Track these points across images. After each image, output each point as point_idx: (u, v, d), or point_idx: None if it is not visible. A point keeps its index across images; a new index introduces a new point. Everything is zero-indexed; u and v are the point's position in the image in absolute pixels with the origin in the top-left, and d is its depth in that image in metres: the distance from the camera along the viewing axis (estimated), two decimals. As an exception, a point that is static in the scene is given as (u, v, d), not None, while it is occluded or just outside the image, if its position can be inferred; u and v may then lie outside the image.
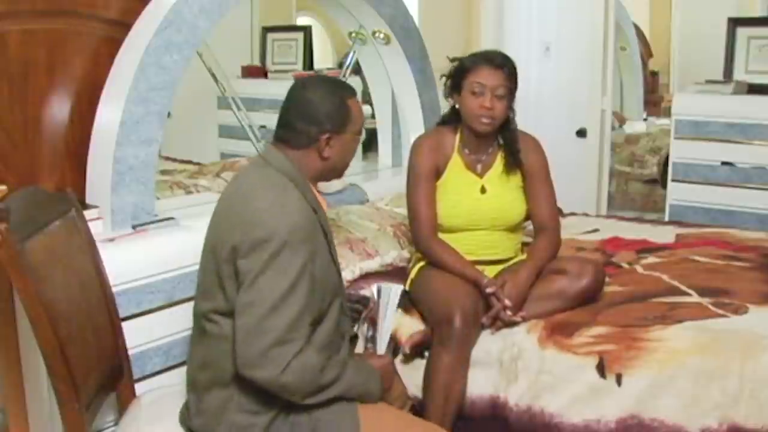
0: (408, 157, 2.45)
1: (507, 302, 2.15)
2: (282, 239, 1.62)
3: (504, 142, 2.37)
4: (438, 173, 2.37)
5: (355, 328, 2.31)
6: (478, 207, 2.33)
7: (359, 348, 2.02)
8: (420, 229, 2.34)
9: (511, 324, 2.17)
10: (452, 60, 2.39)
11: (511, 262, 2.39)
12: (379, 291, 1.91)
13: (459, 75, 2.32)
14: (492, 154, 2.38)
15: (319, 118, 1.76)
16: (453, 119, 2.41)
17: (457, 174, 2.36)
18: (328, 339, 1.77)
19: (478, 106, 2.26)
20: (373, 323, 1.92)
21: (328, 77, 1.88)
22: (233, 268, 1.66)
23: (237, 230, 1.66)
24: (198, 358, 1.81)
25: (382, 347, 1.86)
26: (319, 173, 1.82)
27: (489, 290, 2.17)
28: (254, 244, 1.62)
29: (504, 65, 2.27)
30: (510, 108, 2.32)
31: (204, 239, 1.79)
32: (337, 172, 1.88)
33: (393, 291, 1.87)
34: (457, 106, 2.36)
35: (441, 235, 2.36)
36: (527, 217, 2.42)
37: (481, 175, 2.37)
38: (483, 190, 2.35)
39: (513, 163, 2.35)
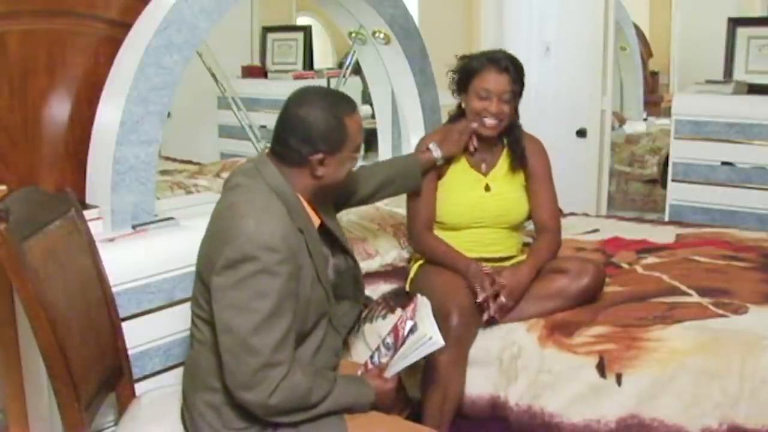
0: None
1: (501, 281, 2.15)
2: (256, 263, 1.58)
3: (509, 143, 2.37)
4: (440, 173, 2.37)
5: (356, 329, 2.32)
6: (482, 205, 2.34)
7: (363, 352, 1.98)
8: (413, 225, 2.36)
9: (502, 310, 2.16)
10: (460, 58, 2.38)
11: (513, 261, 2.39)
12: (412, 329, 1.77)
13: (466, 76, 2.32)
14: (496, 154, 2.39)
15: (313, 139, 1.69)
16: (459, 117, 2.41)
17: (462, 171, 2.37)
18: (313, 358, 1.76)
19: (484, 110, 2.28)
20: (396, 336, 1.85)
21: (327, 92, 1.78)
22: (208, 280, 1.65)
23: (217, 244, 1.65)
24: (187, 360, 1.83)
25: (391, 372, 1.83)
26: (311, 191, 1.77)
27: (480, 299, 2.14)
28: (228, 264, 1.60)
29: (509, 68, 2.26)
30: (515, 110, 2.32)
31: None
32: (332, 189, 1.82)
33: (429, 344, 1.74)
34: (463, 105, 2.37)
35: (445, 232, 2.37)
36: (529, 217, 2.42)
37: (485, 174, 2.38)
38: (487, 188, 2.36)
39: (518, 164, 2.36)
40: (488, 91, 2.26)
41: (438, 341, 1.75)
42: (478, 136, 2.34)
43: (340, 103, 1.76)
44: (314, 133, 1.69)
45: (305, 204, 1.76)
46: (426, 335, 1.75)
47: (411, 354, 1.78)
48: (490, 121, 2.28)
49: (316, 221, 1.81)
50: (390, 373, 1.81)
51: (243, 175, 1.77)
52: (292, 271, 1.64)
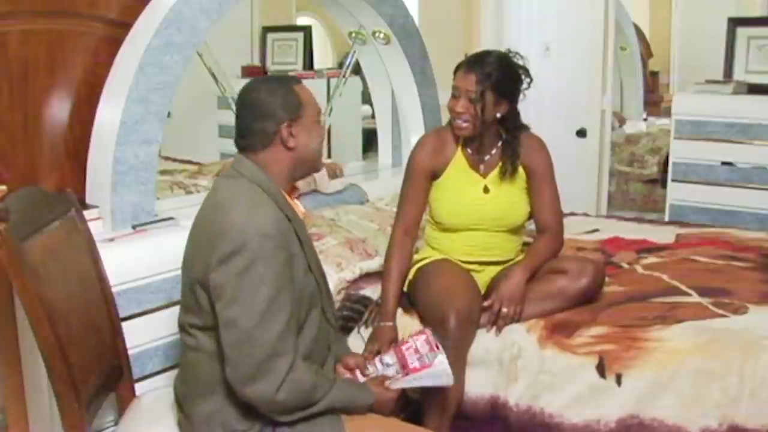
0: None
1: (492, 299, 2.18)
2: (252, 252, 1.59)
3: (505, 145, 2.32)
4: (435, 175, 2.34)
5: (356, 330, 2.31)
6: (481, 207, 2.31)
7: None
8: (395, 224, 2.35)
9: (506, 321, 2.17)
10: None
11: (511, 263, 2.38)
12: (440, 358, 1.81)
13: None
14: (495, 155, 2.34)
15: (272, 112, 1.73)
16: None
17: (460, 172, 2.34)
18: (308, 350, 1.76)
19: (452, 109, 2.26)
20: (403, 361, 1.86)
21: (270, 76, 1.89)
22: (206, 282, 1.65)
23: (207, 246, 1.65)
24: (180, 370, 1.83)
25: (395, 386, 1.83)
26: (291, 168, 1.78)
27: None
28: (223, 258, 1.60)
29: (477, 68, 2.20)
30: (487, 108, 2.22)
31: (183, 253, 1.78)
32: (310, 164, 1.82)
33: (446, 379, 1.81)
34: None
35: (442, 234, 2.36)
36: (530, 217, 2.40)
37: (484, 175, 2.34)
38: (486, 190, 2.33)
39: (511, 170, 2.30)
40: (457, 89, 2.24)
41: (450, 381, 1.84)
42: (467, 138, 2.31)
43: (285, 77, 1.88)
44: (271, 107, 1.74)
45: (286, 196, 1.78)
46: (447, 370, 1.82)
47: (424, 379, 1.82)
48: (457, 121, 2.26)
49: (300, 212, 1.82)
50: (395, 384, 1.83)
51: (222, 178, 1.81)
52: (287, 258, 1.66)
